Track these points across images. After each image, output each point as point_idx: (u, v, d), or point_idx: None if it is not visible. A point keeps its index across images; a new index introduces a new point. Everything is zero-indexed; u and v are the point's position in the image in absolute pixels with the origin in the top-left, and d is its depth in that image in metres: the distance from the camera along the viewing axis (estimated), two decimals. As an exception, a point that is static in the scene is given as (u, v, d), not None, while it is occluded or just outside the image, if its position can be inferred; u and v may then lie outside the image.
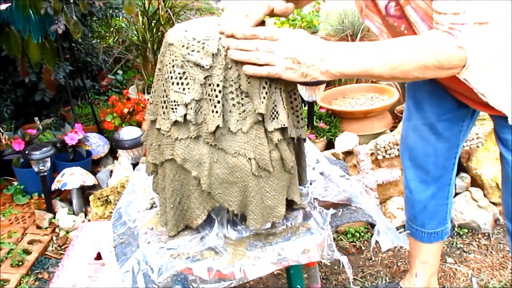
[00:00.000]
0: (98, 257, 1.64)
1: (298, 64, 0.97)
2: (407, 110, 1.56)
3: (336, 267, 2.01)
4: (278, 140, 1.03)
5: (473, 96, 1.20)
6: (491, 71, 1.13)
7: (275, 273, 1.93)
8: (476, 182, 2.31)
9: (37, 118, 2.60)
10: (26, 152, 2.23)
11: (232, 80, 0.99)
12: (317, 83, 2.33)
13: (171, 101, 1.01)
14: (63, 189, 2.33)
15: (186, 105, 1.00)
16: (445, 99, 1.40)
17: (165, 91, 1.03)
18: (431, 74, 1.00)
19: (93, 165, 2.64)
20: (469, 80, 1.15)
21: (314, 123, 2.46)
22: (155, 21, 3.14)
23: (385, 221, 1.22)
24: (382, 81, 1.06)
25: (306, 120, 2.41)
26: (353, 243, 2.16)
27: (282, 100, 1.03)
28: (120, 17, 3.62)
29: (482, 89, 1.16)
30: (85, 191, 2.40)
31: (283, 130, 1.05)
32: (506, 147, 1.29)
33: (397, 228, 2.20)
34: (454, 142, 1.50)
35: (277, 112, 1.02)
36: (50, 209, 2.35)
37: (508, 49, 1.09)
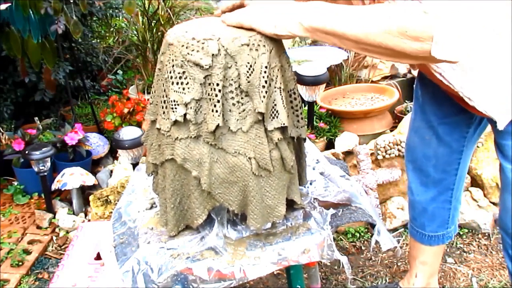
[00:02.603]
0: (98, 257, 1.64)
1: None
2: (413, 110, 1.55)
3: (336, 267, 2.01)
4: (278, 139, 1.03)
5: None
6: (475, 74, 1.12)
7: (275, 273, 1.93)
8: (476, 182, 2.31)
9: (37, 118, 2.60)
10: (26, 152, 2.23)
11: (232, 80, 0.99)
12: (316, 83, 2.33)
13: (171, 101, 1.01)
14: (63, 189, 2.32)
15: (186, 105, 1.00)
16: (446, 102, 1.38)
17: (165, 91, 1.03)
18: (397, 44, 0.90)
19: (93, 165, 2.64)
20: (454, 83, 1.14)
21: (314, 123, 2.46)
22: (155, 21, 3.14)
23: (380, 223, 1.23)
24: (347, 47, 1.00)
25: (306, 120, 2.41)
26: (353, 243, 2.16)
27: (282, 99, 1.03)
28: (120, 17, 3.62)
29: (468, 93, 1.15)
30: (85, 191, 2.40)
31: (283, 129, 1.05)
32: (502, 153, 1.27)
33: (397, 229, 2.22)
34: (455, 147, 1.47)
35: (277, 111, 1.02)
36: (50, 209, 2.35)
37: (490, 50, 1.08)
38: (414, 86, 1.56)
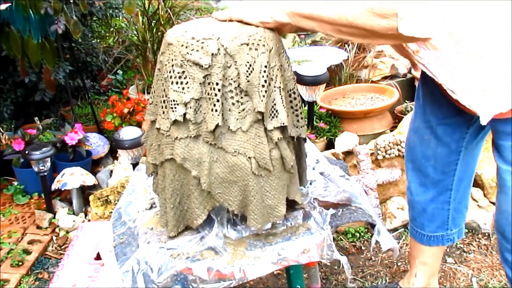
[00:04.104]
0: (98, 257, 1.64)
1: None
2: (414, 110, 1.55)
3: (336, 267, 2.01)
4: (278, 139, 1.03)
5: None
6: (460, 66, 1.12)
7: (275, 273, 1.93)
8: (476, 182, 2.30)
9: (37, 118, 2.60)
10: (26, 152, 2.23)
11: (232, 79, 0.99)
12: (316, 83, 2.33)
13: (171, 101, 1.01)
14: (63, 189, 2.32)
15: (185, 104, 1.00)
16: (446, 102, 1.36)
17: (164, 90, 1.03)
18: (366, 22, 0.96)
19: (93, 165, 2.64)
20: (438, 75, 1.14)
21: (314, 123, 2.46)
22: (155, 21, 3.14)
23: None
24: (325, 30, 1.06)
25: (306, 120, 2.41)
26: (353, 243, 2.16)
27: (281, 98, 1.03)
28: (120, 17, 3.62)
29: (452, 86, 1.15)
30: (85, 191, 2.40)
31: (282, 129, 1.05)
32: (499, 153, 1.26)
33: (397, 229, 2.21)
34: (454, 148, 1.46)
35: (276, 111, 1.02)
36: (50, 209, 2.35)
37: (477, 43, 1.08)
38: (416, 86, 1.56)
